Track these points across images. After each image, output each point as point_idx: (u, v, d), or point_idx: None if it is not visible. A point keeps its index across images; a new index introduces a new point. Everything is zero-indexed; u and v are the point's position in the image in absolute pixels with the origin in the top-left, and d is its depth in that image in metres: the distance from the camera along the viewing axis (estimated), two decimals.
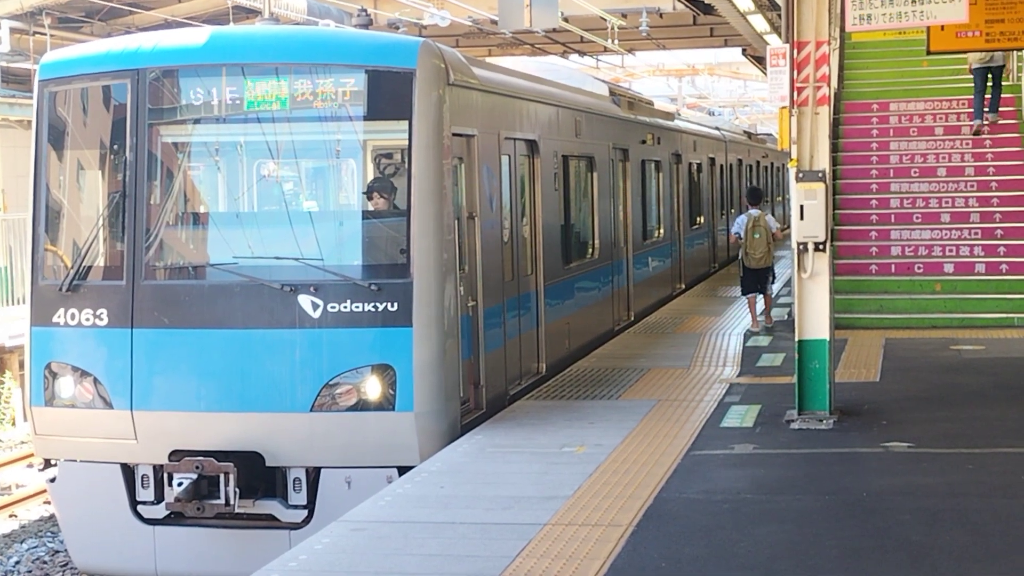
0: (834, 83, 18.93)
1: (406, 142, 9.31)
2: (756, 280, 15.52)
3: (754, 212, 15.50)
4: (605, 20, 26.68)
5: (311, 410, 9.09)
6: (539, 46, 31.85)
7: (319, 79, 9.38)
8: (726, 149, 27.08)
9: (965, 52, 16.38)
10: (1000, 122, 19.21)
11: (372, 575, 6.54)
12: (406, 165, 9.31)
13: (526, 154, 12.23)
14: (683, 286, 20.91)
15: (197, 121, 9.70)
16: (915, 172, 18.41)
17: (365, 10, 12.40)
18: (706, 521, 7.41)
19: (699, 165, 23.08)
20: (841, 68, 21.45)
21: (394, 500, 7.95)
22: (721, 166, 26.05)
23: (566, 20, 26.00)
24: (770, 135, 41.28)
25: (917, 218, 17.61)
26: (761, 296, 15.73)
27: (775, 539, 7.02)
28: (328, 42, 10.06)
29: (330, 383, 9.10)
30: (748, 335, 15.18)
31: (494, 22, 24.85)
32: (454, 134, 9.74)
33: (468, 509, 7.73)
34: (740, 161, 29.44)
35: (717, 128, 27.85)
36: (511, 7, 22.09)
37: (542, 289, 12.32)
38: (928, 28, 12.80)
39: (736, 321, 16.63)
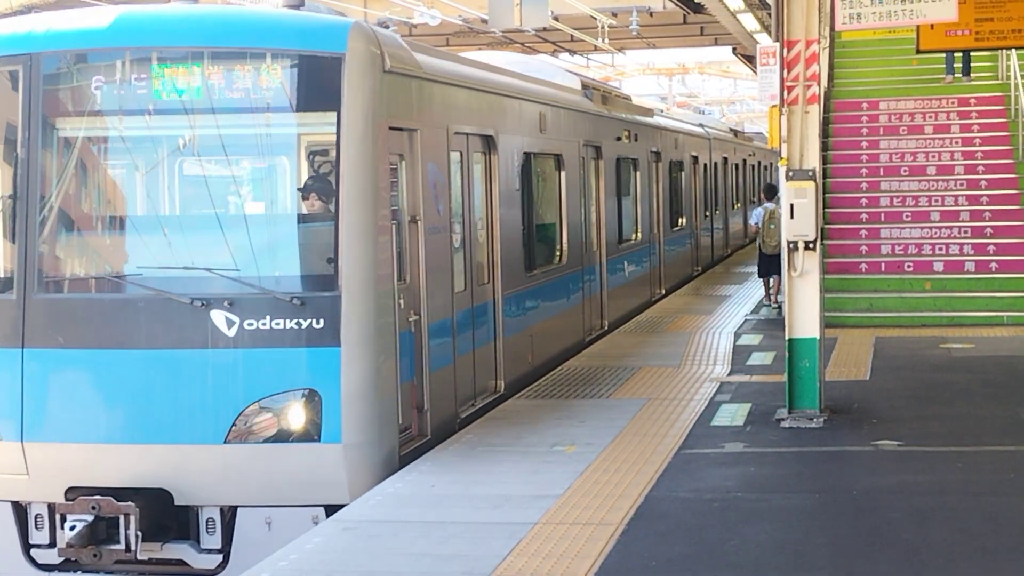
0: (824, 82, 18.94)
1: (335, 136, 8.31)
2: (770, 264, 17.77)
3: (769, 205, 17.66)
4: (595, 19, 26.71)
5: (225, 441, 8.08)
6: (529, 45, 31.86)
7: (236, 65, 8.34)
8: (710, 147, 25.99)
9: (955, 51, 16.42)
10: (989, 121, 19.28)
11: (362, 575, 6.53)
12: (335, 162, 8.35)
13: (481, 151, 11.22)
14: (663, 291, 20.02)
15: (98, 113, 8.52)
16: (905, 171, 18.45)
17: None
18: (696, 520, 7.41)
19: (681, 164, 22.10)
20: (831, 67, 21.48)
21: (384, 499, 7.94)
22: (705, 165, 24.97)
23: (556, 19, 26.04)
24: (760, 134, 40.83)
25: (907, 217, 17.65)
26: (774, 277, 17.65)
27: (765, 538, 7.03)
28: (247, 24, 8.85)
29: (247, 411, 8.11)
30: (759, 306, 18.08)
31: (484, 21, 24.84)
32: (393, 128, 8.82)
33: (458, 508, 7.72)
34: (726, 160, 28.38)
35: (701, 125, 26.49)
36: (501, 6, 22.10)
37: (500, 299, 11.32)
38: (918, 27, 12.84)
39: (727, 320, 16.65)
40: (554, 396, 11.35)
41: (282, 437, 8.13)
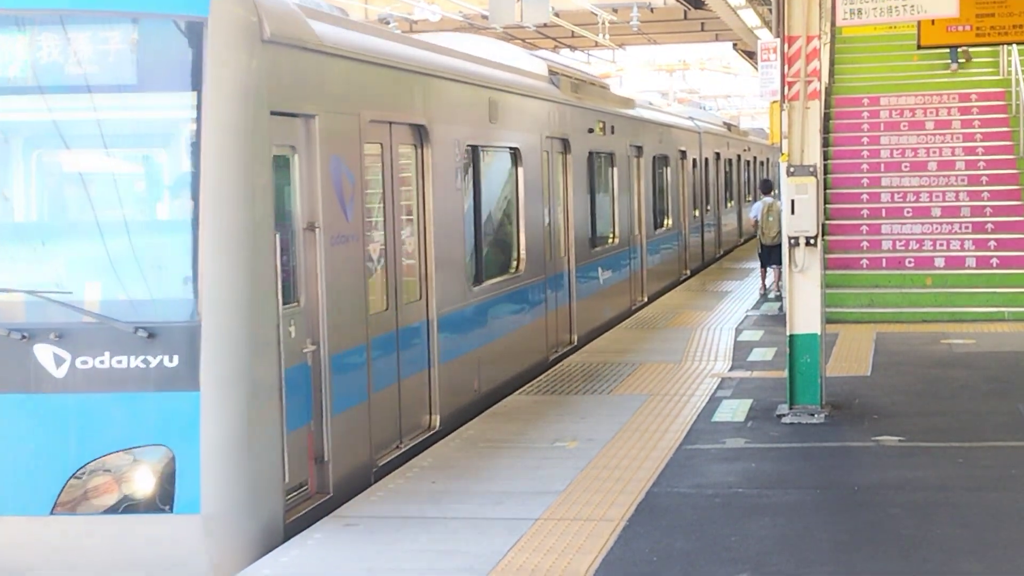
0: (825, 78, 18.96)
1: (194, 122, 6.70)
2: (770, 255, 18.54)
3: (768, 199, 18.52)
4: (596, 15, 26.70)
5: (52, 512, 6.51)
6: (530, 41, 31.85)
7: (71, 32, 6.70)
8: (700, 142, 24.11)
9: (956, 47, 16.42)
10: (990, 116, 19.28)
11: (364, 570, 6.54)
12: (194, 154, 6.76)
13: (411, 143, 9.47)
14: (644, 298, 18.36)
15: None
16: (906, 166, 18.47)
17: None
18: (697, 515, 7.42)
19: (666, 159, 20.39)
20: (832, 63, 21.49)
21: (386, 495, 7.95)
22: (694, 160, 23.20)
23: (557, 15, 26.02)
24: (761, 130, 40.31)
25: (908, 212, 17.65)
26: (773, 268, 18.51)
27: (766, 533, 7.03)
28: None
29: (79, 473, 6.53)
30: (763, 297, 18.49)
31: (485, 17, 24.84)
32: (278, 113, 7.16)
33: (460, 504, 7.72)
34: (718, 155, 26.61)
35: (690, 118, 24.53)
36: (502, 2, 22.08)
37: (435, 320, 9.58)
38: (919, 22, 12.83)
39: (728, 315, 16.65)
40: (555, 392, 11.36)
41: (125, 507, 6.57)
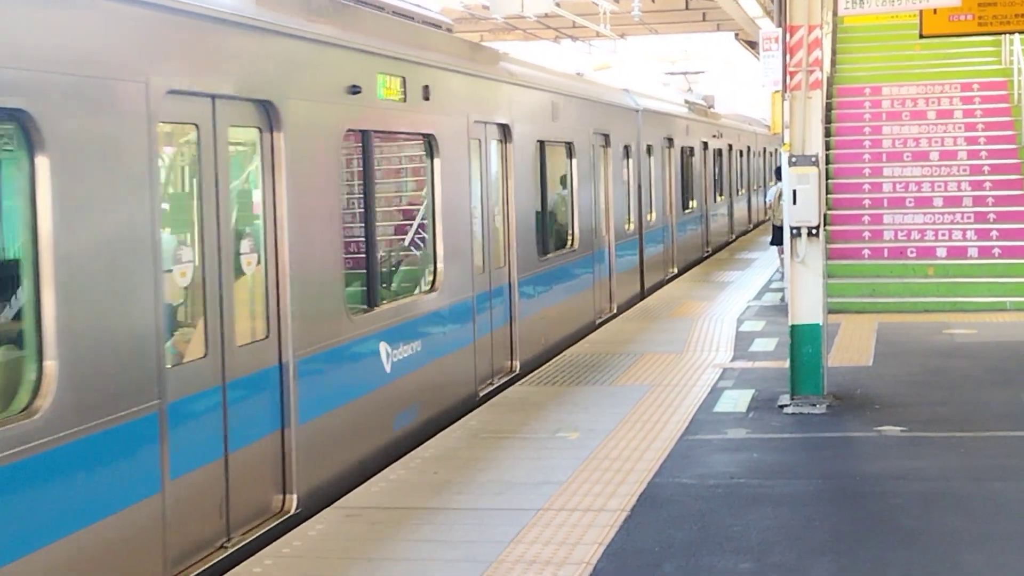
0: (827, 67, 18.94)
1: None
2: (782, 234, 18.72)
3: (781, 184, 18.68)
4: (597, 5, 26.64)
5: None
6: (531, 31, 31.81)
7: None
8: (638, 125, 18.43)
9: (958, 36, 16.38)
10: (992, 106, 19.26)
11: (366, 561, 6.54)
12: None
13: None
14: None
15: None
16: (908, 156, 18.45)
17: None
18: (699, 506, 7.42)
19: (570, 148, 14.49)
20: (833, 52, 21.47)
21: (388, 486, 7.95)
22: (627, 148, 17.61)
23: (558, 4, 25.97)
24: (760, 121, 37.71)
25: (910, 202, 17.64)
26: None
27: (768, 523, 7.03)
28: None
29: None
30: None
31: (486, 7, 24.80)
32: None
33: (461, 495, 7.73)
34: (671, 142, 21.10)
35: (626, 91, 18.89)
36: None
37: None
38: (920, 12, 12.81)
39: (729, 306, 16.64)
40: (557, 383, 11.36)
41: None
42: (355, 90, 8.32)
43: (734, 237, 29.46)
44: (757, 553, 6.52)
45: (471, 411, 10.14)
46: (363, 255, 8.78)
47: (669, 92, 28.20)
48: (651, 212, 19.36)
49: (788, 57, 10.17)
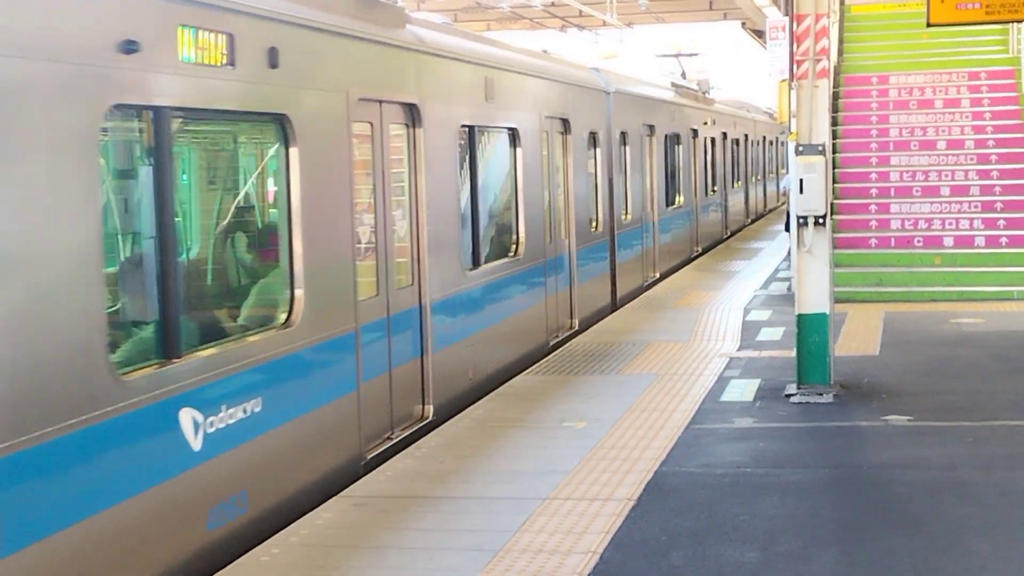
0: (833, 56, 18.89)
1: None
2: None
3: None
4: None
5: None
6: (538, 21, 31.77)
7: None
8: (608, 110, 15.93)
9: (965, 24, 16.33)
10: (1000, 95, 19.21)
11: (372, 549, 6.55)
12: None
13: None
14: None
15: None
16: (915, 145, 18.41)
17: None
18: (706, 495, 7.42)
19: (513, 134, 12.13)
20: (840, 41, 21.41)
21: (395, 475, 7.96)
22: (593, 135, 15.12)
23: None
24: (760, 108, 36.05)
25: (917, 191, 17.61)
26: None
27: (775, 512, 7.03)
28: None
29: None
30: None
31: None
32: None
33: (468, 483, 7.73)
34: (652, 129, 18.88)
35: (596, 70, 16.45)
36: None
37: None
38: (928, 0, 12.76)
39: (736, 295, 16.62)
40: (563, 372, 11.36)
41: None
42: (130, 48, 5.85)
43: (729, 234, 27.40)
44: (764, 542, 6.52)
45: (355, 481, 8.04)
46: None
47: (654, 75, 25.45)
48: (626, 210, 16.99)
49: (795, 46, 10.15)
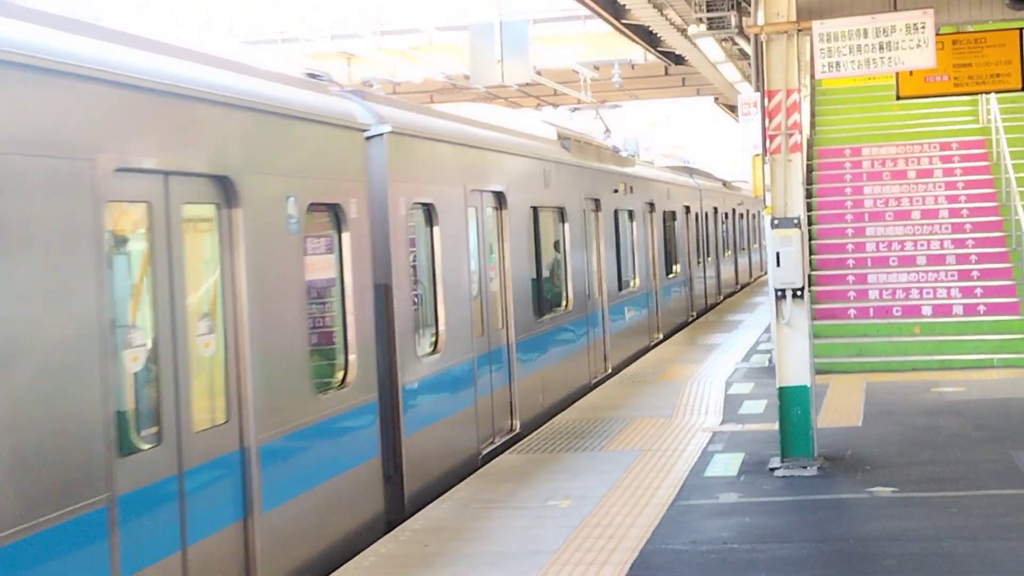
0: (806, 129, 19.10)
1: None
2: None
3: None
4: (578, 72, 26.91)
5: None
6: (513, 100, 32.07)
7: None
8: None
9: (934, 97, 16.56)
10: (972, 164, 19.42)
11: None
12: None
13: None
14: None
15: None
16: (890, 216, 18.56)
17: None
18: (693, 572, 7.36)
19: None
20: (812, 114, 21.66)
21: (378, 560, 7.88)
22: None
23: (539, 73, 26.21)
24: (697, 166, 29.67)
25: (893, 261, 17.72)
26: None
27: None
28: None
29: None
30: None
31: (467, 77, 25.02)
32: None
33: (452, 567, 7.66)
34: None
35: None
36: (483, 62, 22.28)
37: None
38: (897, 74, 12.93)
39: (717, 368, 16.62)
40: (546, 450, 11.31)
41: None
42: None
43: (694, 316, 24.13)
44: None
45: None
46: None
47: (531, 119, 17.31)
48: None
49: (767, 121, 10.26)
